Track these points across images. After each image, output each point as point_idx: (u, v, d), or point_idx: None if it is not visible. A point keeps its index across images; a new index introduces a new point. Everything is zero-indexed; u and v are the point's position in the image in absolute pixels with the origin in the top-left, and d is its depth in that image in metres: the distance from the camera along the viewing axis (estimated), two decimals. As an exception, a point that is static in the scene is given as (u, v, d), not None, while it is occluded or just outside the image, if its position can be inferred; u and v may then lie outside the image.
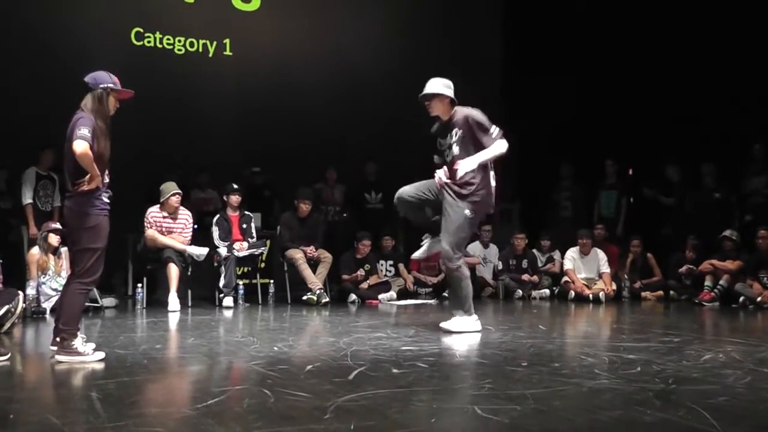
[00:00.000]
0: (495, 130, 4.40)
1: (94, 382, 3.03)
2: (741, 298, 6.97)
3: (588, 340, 4.58)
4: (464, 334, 4.45)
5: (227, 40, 9.53)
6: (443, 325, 4.52)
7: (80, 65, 7.92)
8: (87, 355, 3.45)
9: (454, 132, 4.46)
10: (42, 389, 3.10)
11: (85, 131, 3.37)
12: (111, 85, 3.56)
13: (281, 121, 9.18)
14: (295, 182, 7.83)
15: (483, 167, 4.42)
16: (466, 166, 4.31)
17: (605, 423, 2.37)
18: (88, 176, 3.41)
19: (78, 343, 3.47)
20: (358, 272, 7.19)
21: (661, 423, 2.36)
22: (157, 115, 8.63)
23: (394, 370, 3.16)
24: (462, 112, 4.45)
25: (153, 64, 8.95)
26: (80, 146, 3.34)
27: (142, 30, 9.07)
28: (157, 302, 6.63)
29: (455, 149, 4.45)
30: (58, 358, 3.43)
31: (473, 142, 4.40)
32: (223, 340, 4.32)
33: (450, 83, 4.52)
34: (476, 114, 4.42)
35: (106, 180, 3.56)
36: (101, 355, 3.47)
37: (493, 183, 4.51)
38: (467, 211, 4.40)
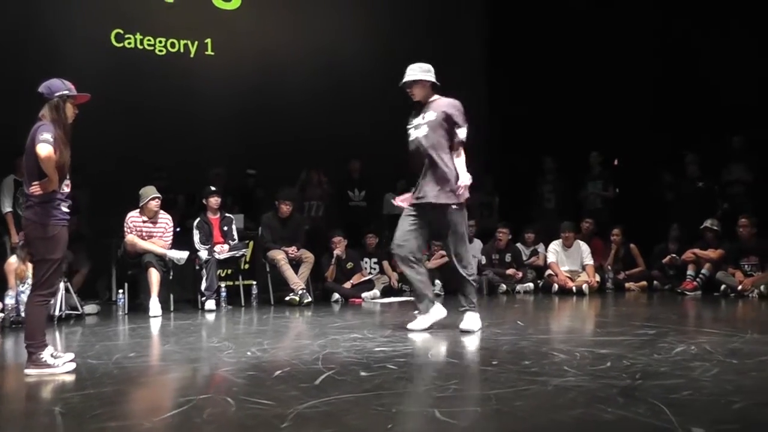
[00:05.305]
0: (464, 130, 4.37)
1: (60, 395, 3.03)
2: (722, 287, 7.00)
3: (563, 336, 4.60)
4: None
5: (209, 40, 9.50)
6: (462, 326, 4.43)
7: (60, 69, 7.87)
8: (56, 367, 3.44)
9: (429, 113, 4.44)
10: (8, 403, 3.08)
11: (47, 135, 3.37)
12: (66, 92, 3.52)
13: (265, 120, 9.17)
14: (279, 181, 7.85)
15: (450, 160, 4.41)
16: (466, 179, 4.33)
17: (563, 422, 2.38)
18: (45, 179, 3.39)
19: (46, 355, 3.46)
20: (331, 267, 7.17)
21: (619, 421, 2.36)
22: (140, 117, 8.62)
23: (363, 373, 3.16)
24: (445, 99, 4.47)
25: (134, 65, 8.93)
26: (44, 149, 3.33)
27: (122, 31, 9.04)
28: (139, 307, 6.61)
29: (423, 130, 4.43)
30: (27, 371, 3.41)
31: (445, 130, 4.37)
32: (198, 346, 4.31)
33: (430, 67, 4.53)
34: (459, 104, 4.43)
35: (66, 189, 3.52)
36: (72, 366, 3.46)
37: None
38: (454, 206, 4.39)
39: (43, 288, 3.48)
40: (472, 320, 4.47)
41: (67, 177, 3.57)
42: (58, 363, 3.47)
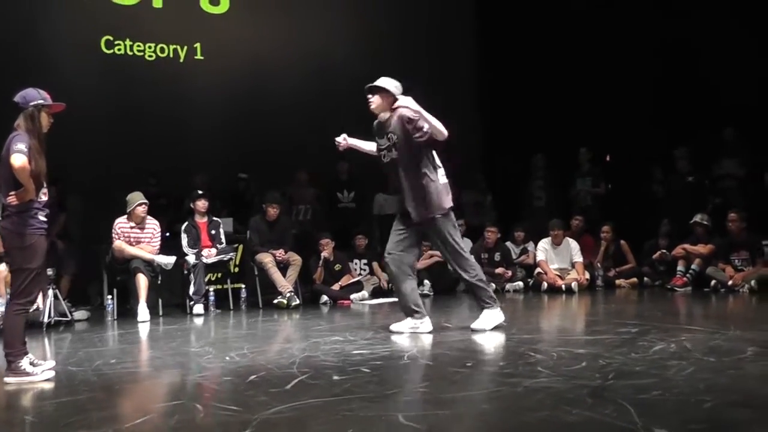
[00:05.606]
0: (425, 126, 4.30)
1: (36, 404, 3.05)
2: (712, 282, 6.98)
3: (544, 335, 4.59)
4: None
5: (198, 44, 9.50)
6: (473, 326, 4.44)
7: (50, 76, 7.98)
8: (35, 375, 3.46)
9: (390, 135, 4.44)
10: (-17, 412, 3.10)
11: (21, 146, 3.41)
12: (41, 102, 3.55)
13: (255, 123, 9.18)
14: (271, 184, 7.88)
15: (425, 175, 4.41)
16: (407, 101, 4.30)
17: (527, 424, 2.38)
18: (21, 189, 3.43)
19: (25, 363, 3.48)
20: (318, 270, 7.18)
21: (583, 422, 2.37)
22: (130, 123, 8.63)
23: (336, 377, 3.16)
24: (397, 114, 4.40)
25: (124, 71, 8.94)
26: (19, 160, 3.37)
27: (111, 38, 9.04)
28: (129, 312, 6.62)
29: (394, 152, 4.44)
30: (6, 380, 3.43)
31: (413, 144, 4.36)
32: (180, 351, 4.29)
33: (399, 86, 4.49)
34: (408, 111, 4.32)
35: (44, 198, 3.56)
36: (51, 374, 3.48)
37: (442, 180, 4.49)
38: (439, 215, 4.41)
39: (21, 297, 3.51)
40: (484, 319, 4.47)
41: (44, 185, 3.61)
42: (37, 371, 3.49)
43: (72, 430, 2.56)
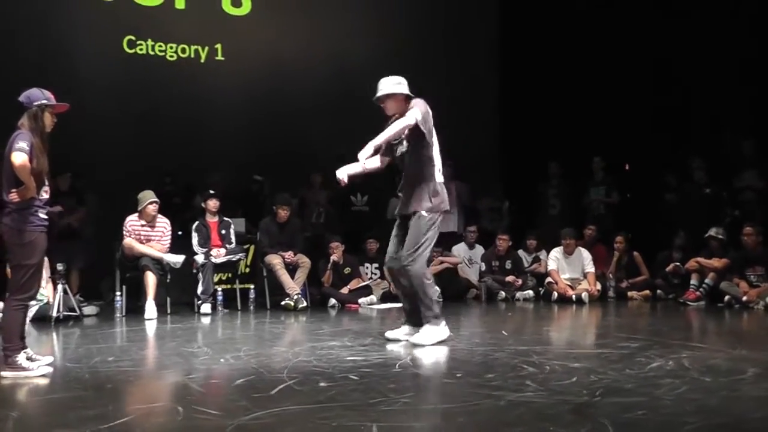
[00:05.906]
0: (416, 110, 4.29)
1: (25, 399, 3.11)
2: (726, 297, 6.83)
3: (542, 347, 4.50)
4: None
5: (219, 45, 9.60)
6: (413, 339, 4.31)
7: (73, 76, 8.14)
8: (31, 370, 3.52)
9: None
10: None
11: (23, 144, 3.50)
12: (45, 102, 3.64)
13: (275, 124, 9.23)
14: (289, 187, 7.93)
15: (423, 168, 4.38)
16: (362, 154, 4.29)
17: (501, 440, 2.36)
18: (22, 186, 3.51)
19: (22, 358, 3.55)
20: (327, 273, 7.19)
21: (557, 440, 2.34)
22: (150, 121, 8.76)
23: (322, 384, 3.16)
24: (411, 106, 4.38)
25: (146, 71, 9.07)
26: (19, 158, 3.45)
27: (134, 38, 9.19)
28: (140, 309, 6.70)
29: (404, 146, 4.43)
30: (3, 374, 3.50)
31: (419, 142, 4.36)
32: (178, 351, 4.33)
33: (401, 79, 4.45)
34: (418, 111, 4.29)
35: (45, 196, 3.64)
36: (47, 369, 3.54)
37: (438, 179, 4.45)
38: (424, 212, 4.35)
39: (20, 293, 3.59)
40: (425, 334, 4.29)
41: (46, 183, 3.70)
42: (34, 366, 3.56)
43: (47, 428, 2.61)
